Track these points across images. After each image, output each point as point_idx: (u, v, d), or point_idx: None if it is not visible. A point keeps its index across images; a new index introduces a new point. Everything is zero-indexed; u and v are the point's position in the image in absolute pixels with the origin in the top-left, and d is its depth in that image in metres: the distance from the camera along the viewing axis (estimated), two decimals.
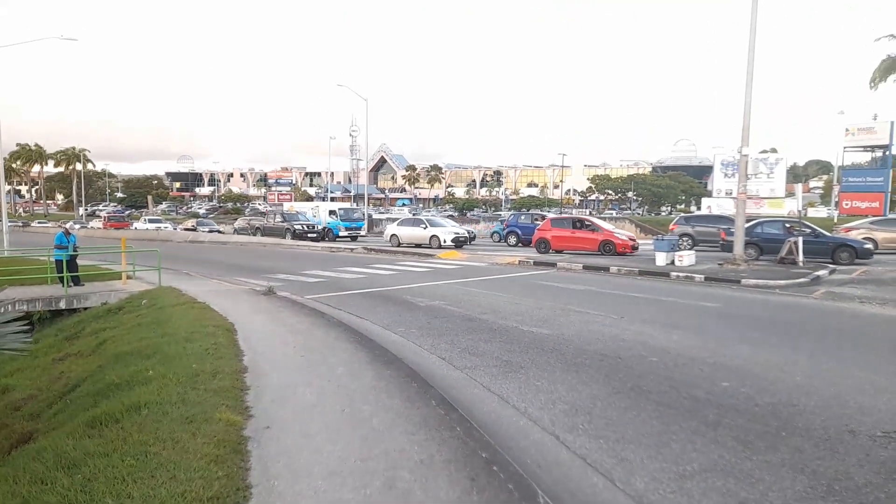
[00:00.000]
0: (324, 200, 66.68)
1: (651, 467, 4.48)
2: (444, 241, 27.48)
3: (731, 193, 34.74)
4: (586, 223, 24.55)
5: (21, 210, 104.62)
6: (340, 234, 35.45)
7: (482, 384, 6.63)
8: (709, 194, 56.40)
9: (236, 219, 52.69)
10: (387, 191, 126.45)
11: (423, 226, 29.48)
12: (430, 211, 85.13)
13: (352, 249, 27.88)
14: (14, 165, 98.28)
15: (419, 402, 5.67)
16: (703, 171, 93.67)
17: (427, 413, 5.37)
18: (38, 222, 73.82)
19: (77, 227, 59.19)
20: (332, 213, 38.59)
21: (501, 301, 12.35)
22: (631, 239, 23.36)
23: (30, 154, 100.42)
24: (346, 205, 53.48)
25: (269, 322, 9.98)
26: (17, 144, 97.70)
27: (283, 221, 35.80)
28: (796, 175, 78.82)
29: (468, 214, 71.99)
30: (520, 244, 28.86)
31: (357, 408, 5.48)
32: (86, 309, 14.03)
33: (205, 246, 34.44)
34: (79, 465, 4.04)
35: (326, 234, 35.31)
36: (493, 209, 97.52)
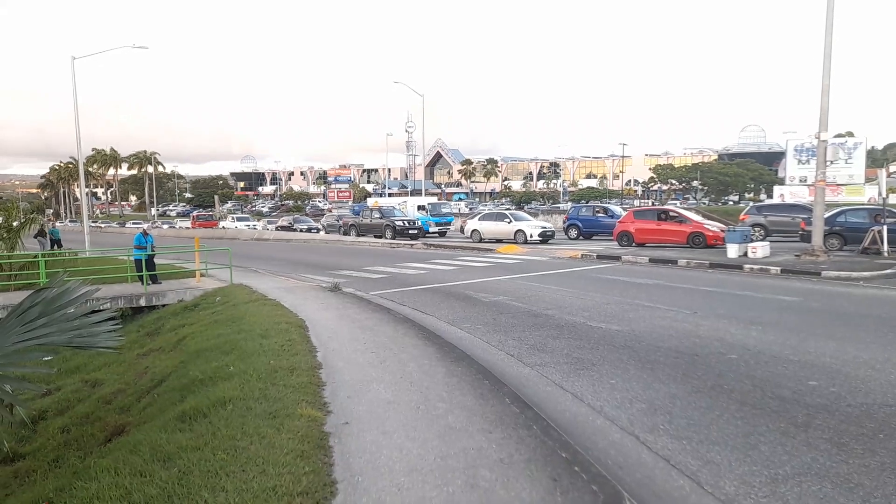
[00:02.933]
0: (381, 196, 67.10)
1: (740, 470, 4.32)
2: (531, 236, 26.42)
3: (805, 181, 33.15)
4: (672, 214, 23.50)
5: (98, 212, 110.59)
6: (431, 229, 33.26)
7: (554, 381, 6.56)
8: (780, 182, 53.93)
9: (320, 216, 53.98)
10: (443, 185, 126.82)
11: (508, 220, 28.16)
12: (486, 205, 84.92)
13: (412, 245, 28.09)
14: (91, 169, 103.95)
15: (493, 400, 5.66)
16: (773, 158, 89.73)
17: (502, 410, 5.35)
18: (117, 224, 77.60)
19: (165, 226, 61.95)
20: (420, 208, 37.10)
21: (566, 296, 12.18)
22: (722, 230, 22.24)
23: (105, 158, 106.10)
24: (434, 199, 49.61)
25: (338, 318, 10.17)
26: (93, 149, 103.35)
27: (380, 218, 33.59)
28: (874, 159, 74.31)
29: (525, 208, 71.35)
30: (581, 237, 28.39)
31: (432, 405, 5.51)
32: (164, 306, 14.69)
33: (269, 244, 35.46)
34: (173, 458, 4.22)
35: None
36: (550, 202, 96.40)
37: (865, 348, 7.60)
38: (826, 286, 13.24)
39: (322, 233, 39.81)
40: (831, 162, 18.41)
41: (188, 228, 56.19)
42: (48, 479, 5.27)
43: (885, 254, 17.08)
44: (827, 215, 19.47)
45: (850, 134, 54.70)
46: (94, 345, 5.14)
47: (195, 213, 71.64)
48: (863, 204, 29.39)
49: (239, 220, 54.55)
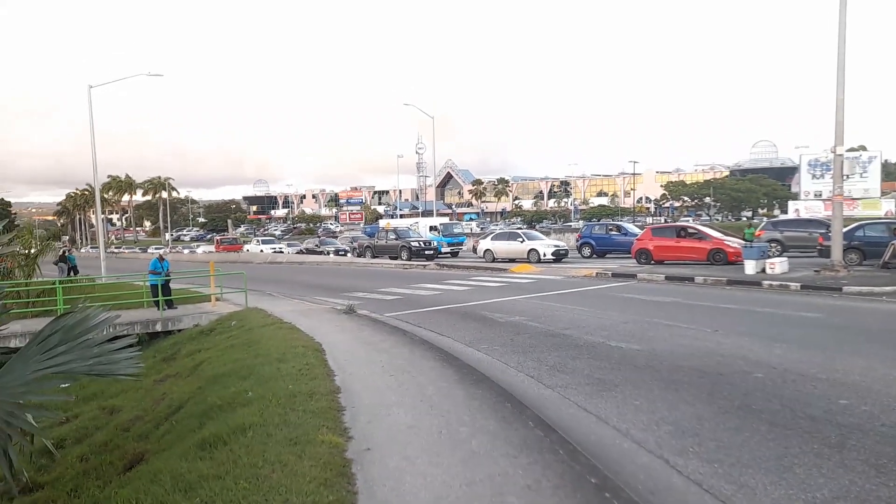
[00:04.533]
0: (392, 218, 67.21)
1: (776, 494, 4.18)
2: (544, 255, 26.10)
3: (820, 195, 32.83)
4: (691, 231, 23.28)
5: (113, 237, 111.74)
6: (443, 250, 32.93)
7: (577, 403, 6.44)
8: (794, 197, 53.46)
9: (315, 238, 53.65)
10: (454, 206, 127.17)
11: (521, 239, 27.88)
12: (497, 224, 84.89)
13: (424, 266, 28.05)
14: (106, 196, 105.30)
15: (516, 423, 5.55)
16: (786, 173, 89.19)
17: (526, 434, 5.24)
18: (139, 249, 77.93)
19: (186, 251, 61.70)
20: (433, 228, 36.91)
21: (584, 315, 12.05)
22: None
23: (120, 184, 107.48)
24: (446, 219, 49.37)
25: (354, 341, 10.11)
26: (109, 176, 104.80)
27: (396, 239, 33.23)
28: (888, 173, 73.58)
29: (537, 227, 71.24)
30: (594, 255, 28.22)
31: (454, 429, 5.41)
32: (180, 331, 14.71)
33: (283, 267, 35.58)
34: (195, 487, 4.16)
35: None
36: (562, 220, 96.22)
37: (894, 366, 7.41)
38: (848, 302, 13.02)
39: (350, 255, 39.23)
40: (848, 176, 18.23)
41: (210, 252, 55.43)
42: None
43: None
44: (845, 230, 19.23)
45: (864, 148, 54.42)
46: (114, 372, 5.11)
47: (219, 238, 70.94)
48: (881, 218, 28.99)
49: (264, 242, 51.36)
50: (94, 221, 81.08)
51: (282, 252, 45.50)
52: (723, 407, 6.10)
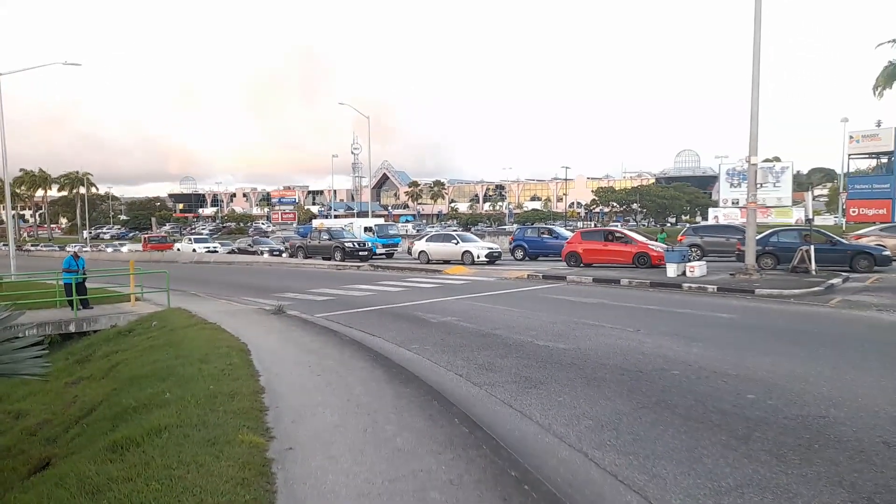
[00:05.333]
0: (326, 218, 66.21)
1: (685, 483, 4.37)
2: (478, 257, 26.49)
3: (737, 203, 34.66)
4: (618, 235, 24.00)
5: (25, 235, 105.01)
6: (378, 251, 32.79)
7: (503, 401, 6.53)
8: (714, 204, 56.32)
9: (248, 237, 51.90)
10: (390, 207, 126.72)
11: (455, 241, 28.20)
12: (433, 227, 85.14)
13: (358, 267, 27.80)
14: (18, 191, 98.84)
15: (442, 421, 5.58)
16: (708, 181, 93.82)
17: (451, 432, 5.28)
18: (45, 245, 73.50)
19: (110, 250, 58.21)
20: (367, 229, 36.51)
21: (514, 316, 12.26)
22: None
23: (34, 179, 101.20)
24: (381, 220, 48.52)
25: (282, 341, 9.91)
26: (21, 170, 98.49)
27: (329, 240, 32.80)
28: (800, 183, 78.55)
29: (472, 229, 71.93)
30: (527, 258, 28.76)
31: (380, 427, 5.39)
32: (95, 332, 13.98)
33: (210, 267, 34.45)
34: (103, 490, 3.96)
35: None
36: (496, 223, 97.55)
37: (799, 363, 7.91)
38: (760, 303, 13.79)
39: (285, 255, 38.16)
40: (761, 185, 19.32)
41: (137, 251, 52.52)
42: None
43: (814, 272, 17.96)
44: (760, 236, 20.38)
45: (778, 159, 57.82)
46: (17, 372, 4.82)
47: (146, 235, 67.15)
48: (793, 225, 30.93)
49: (197, 241, 48.24)
50: (3, 217, 75.94)
51: (216, 251, 43.66)
52: (641, 402, 6.34)
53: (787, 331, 10.43)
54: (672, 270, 18.44)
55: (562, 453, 5.02)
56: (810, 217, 21.01)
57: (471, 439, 5.06)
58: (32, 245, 77.46)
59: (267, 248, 41.20)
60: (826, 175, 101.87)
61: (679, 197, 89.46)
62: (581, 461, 4.85)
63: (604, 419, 5.84)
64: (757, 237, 21.30)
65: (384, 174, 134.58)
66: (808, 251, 18.44)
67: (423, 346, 9.50)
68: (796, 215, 42.21)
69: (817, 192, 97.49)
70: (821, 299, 14.05)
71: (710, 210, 46.59)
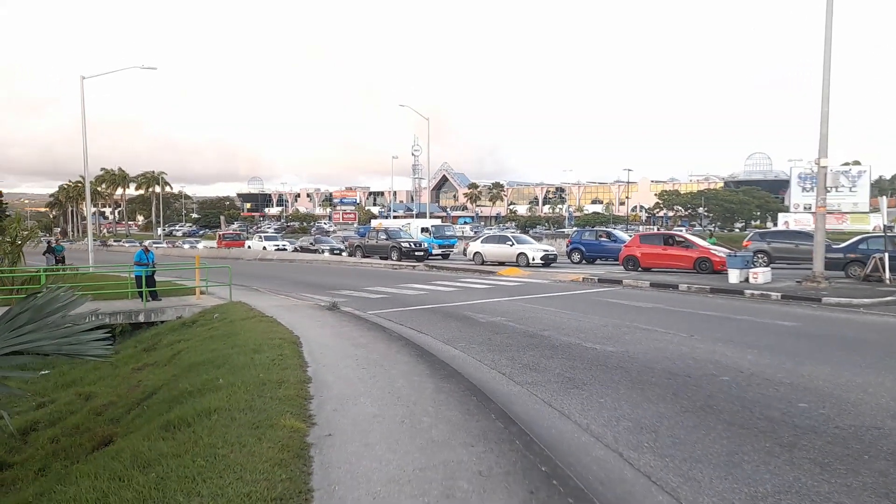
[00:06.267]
0: (386, 218, 67.18)
1: (720, 487, 4.29)
2: (533, 259, 26.32)
3: (809, 208, 33.11)
4: (679, 239, 23.37)
5: (105, 231, 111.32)
6: (434, 251, 32.73)
7: (543, 400, 6.54)
8: (786, 209, 53.82)
9: (310, 236, 53.43)
10: (448, 209, 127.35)
11: (510, 243, 28.11)
12: (491, 229, 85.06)
13: (414, 267, 28.13)
14: (99, 189, 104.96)
15: (478, 415, 5.65)
16: (780, 186, 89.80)
17: (486, 426, 5.34)
18: (127, 241, 77.40)
19: (186, 246, 61.19)
20: (424, 230, 36.90)
21: (564, 318, 12.17)
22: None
23: (113, 178, 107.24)
24: (438, 221, 48.65)
25: (333, 335, 10.19)
26: (102, 169, 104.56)
27: (387, 239, 33.14)
28: (882, 189, 74.11)
29: (530, 232, 71.46)
30: (583, 261, 28.38)
31: (417, 419, 5.50)
32: (162, 322, 14.75)
33: (273, 264, 35.59)
34: (153, 464, 4.24)
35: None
36: (555, 226, 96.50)
37: (860, 373, 7.55)
38: (826, 312, 13.17)
39: (344, 254, 39.08)
40: (834, 189, 18.42)
41: (212, 248, 54.57)
42: (31, 486, 5.28)
43: (888, 281, 17.00)
44: (847, 243, 19.42)
45: (857, 162, 54.73)
46: (83, 353, 5.17)
47: (221, 233, 69.84)
48: (868, 233, 29.19)
49: (267, 239, 49.44)
50: (85, 214, 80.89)
51: (284, 249, 45.01)
52: (685, 406, 6.22)
53: (851, 340, 9.94)
54: (734, 276, 17.82)
55: (596, 452, 5.00)
56: (886, 223, 19.84)
57: (504, 434, 5.11)
58: (115, 240, 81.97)
59: (327, 247, 42.20)
60: None
61: (748, 201, 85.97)
62: (615, 461, 4.82)
63: (644, 421, 5.76)
64: (844, 244, 20.34)
65: (444, 176, 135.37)
66: (881, 259, 17.45)
67: (468, 345, 9.58)
68: (874, 222, 39.89)
69: None
70: (893, 309, 13.29)
71: (781, 215, 44.57)
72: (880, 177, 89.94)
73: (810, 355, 8.65)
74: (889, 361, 8.31)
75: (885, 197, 22.09)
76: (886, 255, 17.50)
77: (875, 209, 40.56)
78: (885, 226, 20.70)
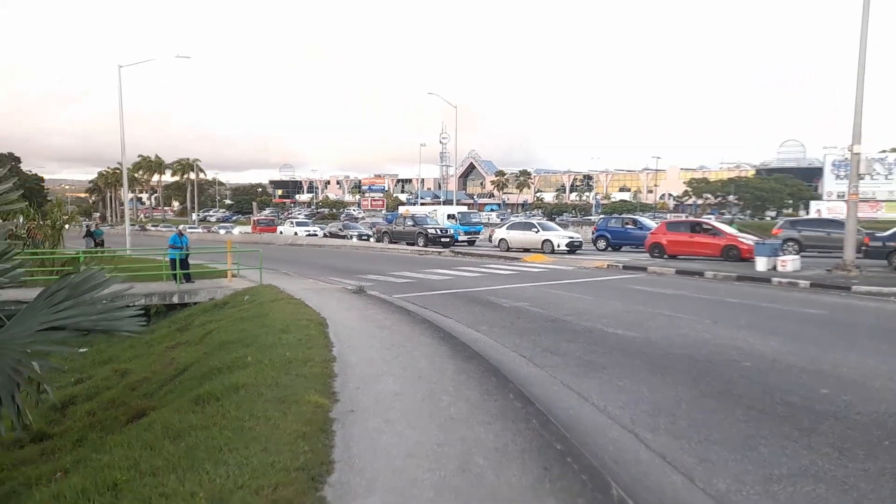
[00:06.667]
0: (413, 205, 67.43)
1: (735, 469, 4.33)
2: (558, 246, 26.28)
3: (842, 196, 32.24)
4: (705, 226, 23.09)
5: (142, 216, 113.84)
6: (460, 238, 33.15)
7: (563, 382, 6.61)
8: (819, 197, 52.56)
9: (339, 222, 54.08)
10: (475, 196, 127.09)
11: (535, 230, 28.12)
12: (518, 216, 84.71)
13: (440, 252, 28.28)
14: (136, 175, 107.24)
15: (497, 395, 5.76)
16: (813, 174, 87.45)
17: (504, 405, 5.45)
18: (164, 226, 78.82)
19: (223, 231, 62.31)
20: (450, 216, 37.17)
21: (587, 303, 12.18)
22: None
23: (150, 164, 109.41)
24: (464, 208, 49.08)
25: (358, 318, 10.38)
26: (139, 156, 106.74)
27: (414, 226, 33.47)
28: None
29: (556, 219, 71.01)
30: (609, 248, 28.19)
31: (437, 398, 5.64)
32: (195, 304, 15.15)
33: (302, 249, 36.09)
34: (183, 435, 4.45)
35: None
36: (582, 214, 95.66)
37: (886, 360, 7.46)
38: (855, 300, 12.94)
39: (372, 240, 39.51)
40: (868, 176, 18.04)
41: (247, 233, 55.42)
42: (69, 454, 5.56)
43: None
44: (890, 231, 18.96)
45: (895, 150, 53.07)
46: (119, 328, 5.41)
47: (256, 218, 70.72)
48: None
49: (299, 224, 50.08)
50: (123, 200, 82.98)
51: (316, 234, 45.49)
52: (704, 391, 6.24)
53: (878, 329, 9.78)
54: (762, 264, 17.55)
55: (612, 433, 5.08)
56: None
57: (522, 413, 5.21)
58: (152, 225, 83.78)
59: (356, 233, 42.62)
60: None
61: (780, 189, 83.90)
62: (631, 442, 4.89)
63: (662, 404, 5.81)
64: (887, 232, 19.81)
65: (471, 163, 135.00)
66: None
67: (491, 328, 9.68)
68: None
69: None
70: None
71: (813, 203, 43.55)
72: None
73: (835, 343, 8.56)
74: None
75: None
76: None
77: None
78: None
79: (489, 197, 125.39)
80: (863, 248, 19.88)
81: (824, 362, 7.31)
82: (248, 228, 61.66)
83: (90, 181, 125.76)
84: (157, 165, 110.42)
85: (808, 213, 46.60)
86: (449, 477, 3.90)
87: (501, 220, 64.60)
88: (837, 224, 23.75)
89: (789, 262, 17.16)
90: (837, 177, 30.35)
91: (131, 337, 7.82)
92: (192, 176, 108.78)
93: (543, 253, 25.87)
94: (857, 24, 15.95)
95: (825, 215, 34.03)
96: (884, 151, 39.20)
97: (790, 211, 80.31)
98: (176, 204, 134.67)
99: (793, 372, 6.90)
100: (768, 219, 73.86)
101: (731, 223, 28.44)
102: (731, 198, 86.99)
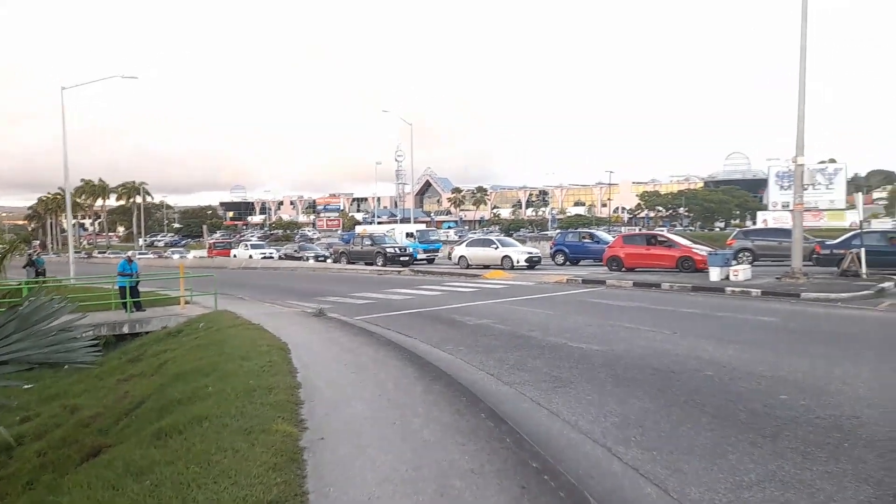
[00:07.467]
0: (370, 224, 67.13)
1: (706, 478, 4.40)
2: (518, 262, 26.50)
3: (787, 206, 33.62)
4: (661, 239, 23.70)
5: (85, 242, 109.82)
6: (419, 256, 32.93)
7: (531, 398, 6.62)
8: (764, 208, 54.62)
9: (294, 244, 53.46)
10: (432, 214, 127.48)
11: (495, 246, 28.30)
12: (475, 233, 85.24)
13: (399, 272, 28.16)
14: (79, 200, 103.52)
15: (468, 415, 5.72)
16: (758, 185, 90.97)
17: (476, 425, 5.41)
18: (111, 252, 76.15)
19: (176, 256, 60.43)
20: (409, 235, 37.06)
21: (550, 319, 12.29)
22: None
23: (93, 189, 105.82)
24: (422, 226, 48.75)
25: (321, 341, 10.21)
26: (82, 180, 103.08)
27: (372, 245, 32.92)
28: (857, 186, 75.48)
29: (514, 235, 71.74)
30: (567, 263, 28.60)
31: (408, 420, 5.56)
32: (147, 333, 14.63)
33: (257, 272, 35.40)
34: (146, 472, 4.25)
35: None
36: (539, 229, 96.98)
37: (838, 365, 7.74)
38: (805, 307, 13.44)
39: (329, 261, 39.01)
40: (811, 186, 18.83)
41: (202, 257, 53.98)
42: (20, 499, 5.25)
43: (864, 276, 17.36)
44: (841, 239, 19.74)
45: (833, 161, 55.75)
46: (72, 360, 5.18)
47: (211, 241, 68.80)
48: (845, 229, 29.83)
49: (253, 247, 49.10)
50: (65, 226, 79.90)
51: (271, 257, 44.85)
52: (670, 401, 6.34)
53: (829, 334, 10.17)
54: (715, 274, 18.08)
55: (585, 448, 5.10)
56: (861, 219, 20.29)
57: (495, 432, 5.19)
58: (99, 252, 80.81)
59: (312, 254, 42.08)
60: (886, 177, 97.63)
61: (728, 201, 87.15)
62: (604, 455, 4.92)
63: (631, 417, 5.87)
64: (837, 240, 20.66)
65: (427, 181, 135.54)
66: (857, 254, 17.83)
67: (456, 347, 9.65)
68: (850, 219, 40.68)
69: (876, 195, 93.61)
70: (870, 303, 13.61)
71: (759, 214, 45.25)
72: (855, 174, 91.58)
73: (790, 349, 8.85)
74: (866, 353, 8.54)
75: (860, 193, 22.57)
76: (863, 250, 17.88)
77: (851, 206, 41.45)
78: (861, 222, 21.19)
79: (446, 214, 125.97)
80: (814, 255, 20.77)
81: (781, 368, 7.54)
82: (203, 252, 60.24)
83: (29, 207, 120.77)
84: (101, 190, 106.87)
85: (754, 223, 48.40)
86: (427, 502, 3.83)
87: (460, 237, 65.03)
88: (788, 233, 24.68)
89: (741, 271, 17.74)
90: (781, 187, 31.60)
91: (81, 370, 7.50)
92: (139, 199, 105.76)
93: (503, 269, 26.05)
94: (797, 41, 16.76)
95: (771, 225, 35.42)
96: (823, 162, 41.07)
97: (737, 222, 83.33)
98: (121, 229, 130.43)
99: (752, 379, 7.09)
100: (717, 230, 76.42)
101: (680, 234, 29.29)
102: (681, 210, 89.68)
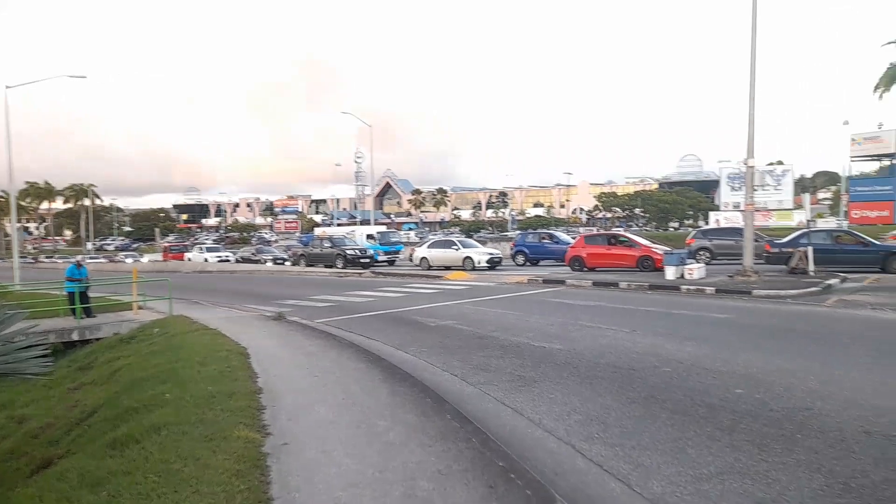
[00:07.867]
0: (329, 227, 66.45)
1: (668, 472, 4.49)
2: (479, 263, 26.66)
3: (738, 206, 34.71)
4: (622, 238, 24.10)
5: (30, 247, 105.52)
6: (380, 258, 33.24)
7: (496, 398, 6.65)
8: (716, 208, 56.32)
9: (251, 247, 52.49)
10: (392, 216, 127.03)
11: (456, 247, 28.47)
12: (436, 234, 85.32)
13: (360, 274, 27.95)
14: (23, 203, 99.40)
15: (434, 417, 5.71)
16: (710, 186, 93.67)
17: (442, 426, 5.41)
18: (59, 257, 73.31)
19: (130, 260, 58.35)
20: (370, 237, 36.95)
21: (511, 319, 12.38)
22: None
23: (39, 191, 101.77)
24: (382, 228, 48.69)
25: (282, 345, 10.05)
26: (27, 182, 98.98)
27: (332, 247, 32.86)
28: (804, 187, 78.38)
29: (474, 236, 72.07)
30: (528, 263, 28.88)
31: (373, 423, 5.52)
32: (98, 339, 14.16)
33: (213, 276, 34.66)
34: (103, 483, 4.10)
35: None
36: (499, 230, 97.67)
37: (789, 359, 8.02)
38: (756, 304, 13.89)
39: (288, 263, 38.39)
40: (760, 187, 19.48)
41: (157, 261, 52.39)
42: None
43: (811, 273, 18.04)
44: (790, 237, 20.42)
45: (780, 162, 57.79)
46: (21, 371, 4.98)
47: (166, 245, 66.71)
48: (815, 227, 30.99)
49: (209, 250, 47.54)
50: (8, 230, 76.68)
51: (228, 260, 43.66)
52: (631, 398, 6.46)
53: (780, 329, 10.53)
54: (671, 273, 18.53)
55: (550, 445, 5.15)
56: (808, 219, 21.10)
57: (461, 433, 5.19)
58: (46, 257, 77.64)
59: (270, 257, 41.38)
60: (830, 178, 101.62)
61: (682, 202, 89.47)
62: (568, 452, 4.98)
63: (593, 414, 5.96)
64: (786, 239, 21.38)
65: (387, 183, 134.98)
66: (805, 252, 18.53)
67: (420, 349, 9.63)
68: (797, 218, 42.26)
69: (821, 195, 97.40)
70: (817, 299, 14.15)
71: (712, 214, 46.62)
72: (801, 175, 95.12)
73: (743, 345, 9.12)
74: (815, 348, 8.86)
75: (807, 194, 23.43)
76: (811, 248, 18.58)
77: (798, 206, 43.12)
78: (808, 221, 22.03)
79: (407, 216, 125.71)
80: (764, 253, 21.48)
81: (736, 364, 7.77)
82: (158, 256, 58.65)
83: None
84: (46, 192, 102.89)
85: (707, 223, 49.80)
86: None
87: (420, 238, 64.87)
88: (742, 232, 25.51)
89: (695, 269, 18.22)
90: (732, 188, 32.69)
91: (28, 380, 7.21)
92: (87, 202, 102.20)
93: (465, 270, 26.15)
94: (747, 46, 17.34)
95: (723, 224, 36.48)
96: (771, 164, 42.58)
97: (691, 222, 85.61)
98: (69, 233, 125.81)
99: (709, 375, 7.29)
100: (671, 230, 78.28)
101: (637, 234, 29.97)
102: (637, 211, 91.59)
